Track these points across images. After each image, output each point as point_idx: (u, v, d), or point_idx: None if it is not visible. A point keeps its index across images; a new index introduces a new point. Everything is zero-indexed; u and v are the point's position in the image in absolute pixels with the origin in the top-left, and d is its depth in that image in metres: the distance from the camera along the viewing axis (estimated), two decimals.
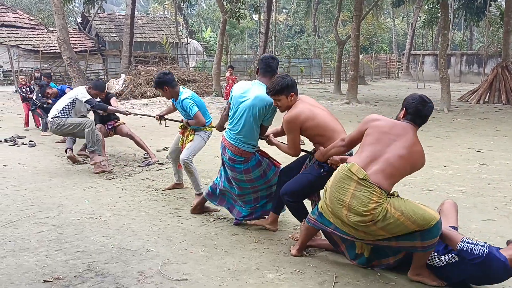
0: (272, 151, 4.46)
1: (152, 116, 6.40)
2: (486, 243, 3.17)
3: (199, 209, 4.85)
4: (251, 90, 4.14)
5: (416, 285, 3.30)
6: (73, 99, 6.65)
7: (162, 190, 5.69)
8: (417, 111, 3.33)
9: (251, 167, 4.22)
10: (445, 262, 3.26)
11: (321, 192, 3.64)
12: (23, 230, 4.27)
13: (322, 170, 3.80)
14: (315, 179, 3.83)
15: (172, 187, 5.73)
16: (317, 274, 3.44)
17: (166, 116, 5.96)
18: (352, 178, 3.16)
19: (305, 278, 3.37)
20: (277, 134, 4.37)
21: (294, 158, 4.22)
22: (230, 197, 4.56)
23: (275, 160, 4.43)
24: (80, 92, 6.67)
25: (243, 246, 3.95)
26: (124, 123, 7.72)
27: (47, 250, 3.81)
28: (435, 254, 3.32)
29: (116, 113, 7.27)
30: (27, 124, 11.22)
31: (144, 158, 7.47)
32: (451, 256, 3.25)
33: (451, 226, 3.46)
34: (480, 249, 3.10)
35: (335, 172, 3.31)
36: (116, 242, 4.01)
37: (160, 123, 5.97)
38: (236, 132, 4.17)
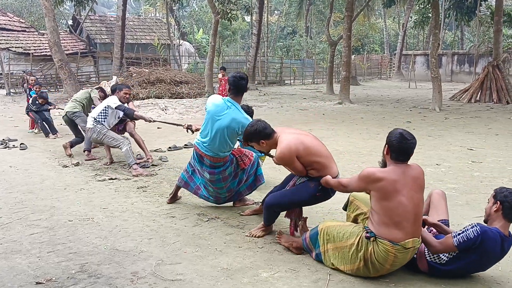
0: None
1: (179, 125, 6.21)
2: (472, 223, 3.25)
3: (174, 197, 5.19)
4: (227, 111, 4.43)
5: (409, 281, 3.31)
6: (105, 107, 6.88)
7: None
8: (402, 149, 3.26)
9: (228, 166, 4.67)
10: (447, 258, 3.28)
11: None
12: (15, 232, 4.23)
13: (318, 193, 3.85)
14: (309, 197, 3.89)
15: None
16: (311, 272, 3.44)
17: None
18: (409, 251, 3.21)
19: (300, 277, 3.36)
20: None
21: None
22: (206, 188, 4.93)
23: (243, 161, 4.77)
24: (111, 100, 6.89)
25: (237, 246, 3.94)
26: (132, 121, 7.71)
27: (40, 252, 3.78)
28: None
29: (139, 119, 7.16)
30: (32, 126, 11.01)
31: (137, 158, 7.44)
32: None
33: (441, 220, 3.50)
34: (471, 230, 3.16)
35: (388, 256, 3.19)
36: (109, 243, 3.98)
37: (187, 131, 5.73)
38: (212, 146, 4.52)
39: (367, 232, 3.25)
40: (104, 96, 8.63)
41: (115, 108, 6.80)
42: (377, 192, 3.23)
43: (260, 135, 3.91)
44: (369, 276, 3.34)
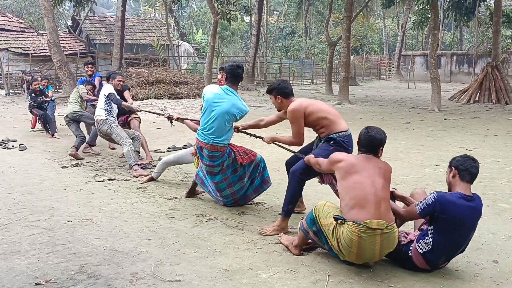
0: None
1: (161, 114, 6.53)
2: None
3: (191, 193, 5.39)
4: (226, 97, 4.67)
5: (409, 282, 3.32)
6: (105, 95, 6.95)
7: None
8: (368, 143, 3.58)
9: (226, 158, 4.77)
10: (430, 239, 3.36)
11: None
12: (14, 233, 4.23)
13: (331, 143, 4.17)
14: (326, 153, 4.00)
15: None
16: (311, 273, 3.44)
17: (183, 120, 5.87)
18: (375, 233, 3.27)
19: (299, 277, 3.37)
20: (255, 126, 5.01)
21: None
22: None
23: (241, 156, 4.85)
24: (106, 89, 7.00)
25: (236, 246, 3.94)
26: (137, 118, 7.79)
27: (39, 253, 3.78)
28: (420, 241, 3.41)
29: (128, 110, 7.30)
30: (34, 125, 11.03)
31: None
32: (429, 230, 3.38)
33: None
34: (429, 197, 3.34)
35: (353, 236, 3.28)
36: (108, 244, 3.98)
37: (171, 123, 6.04)
38: (210, 132, 4.68)
39: (335, 214, 3.41)
40: (92, 88, 8.76)
41: (106, 95, 6.88)
42: (338, 173, 3.55)
43: (280, 91, 4.43)
44: (341, 258, 3.49)
